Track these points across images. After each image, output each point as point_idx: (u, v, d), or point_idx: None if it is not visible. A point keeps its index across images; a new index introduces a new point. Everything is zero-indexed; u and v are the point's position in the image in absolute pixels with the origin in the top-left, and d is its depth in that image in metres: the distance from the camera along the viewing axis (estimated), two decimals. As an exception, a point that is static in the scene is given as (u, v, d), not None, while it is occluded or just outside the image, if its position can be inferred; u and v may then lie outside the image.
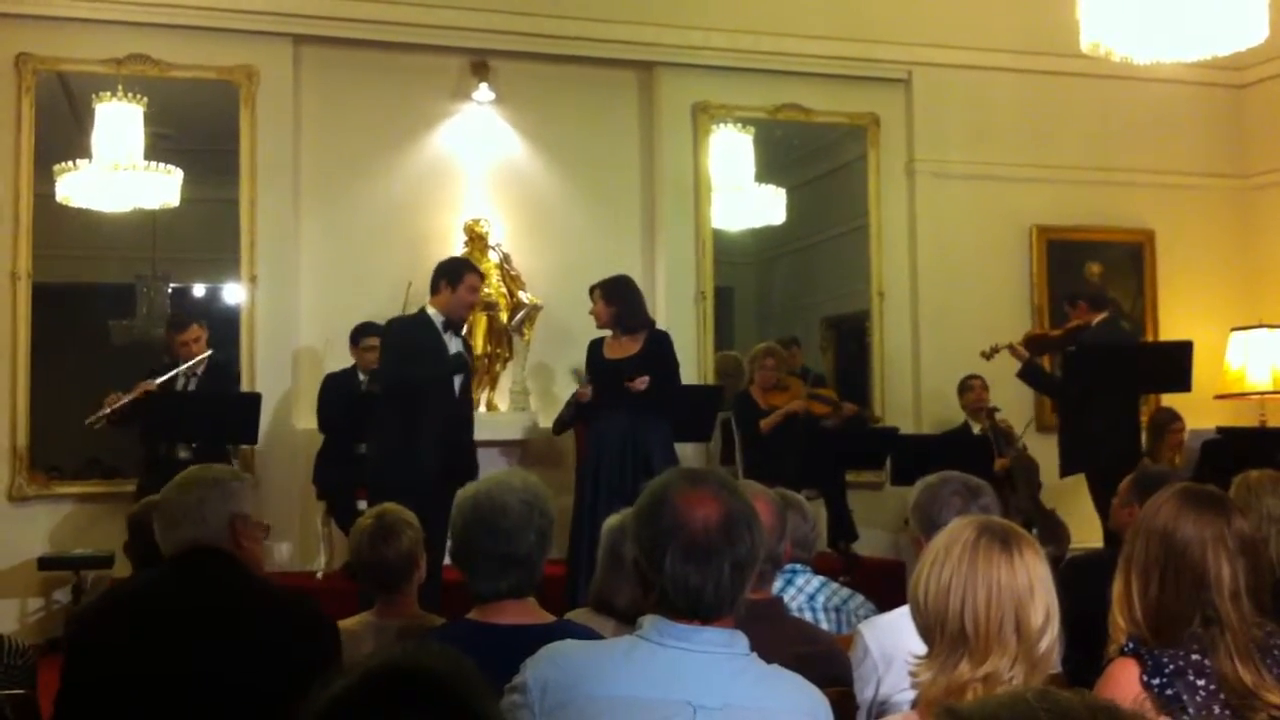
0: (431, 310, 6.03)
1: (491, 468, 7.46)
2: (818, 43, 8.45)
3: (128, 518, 3.80)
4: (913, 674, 2.10)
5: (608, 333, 6.43)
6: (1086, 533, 7.05)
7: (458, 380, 6.04)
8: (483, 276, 6.15)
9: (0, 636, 3.28)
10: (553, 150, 8.16)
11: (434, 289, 6.06)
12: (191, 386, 6.79)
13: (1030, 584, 2.05)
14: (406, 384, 5.87)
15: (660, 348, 6.44)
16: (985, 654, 2.01)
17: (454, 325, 6.06)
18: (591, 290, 6.47)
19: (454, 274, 6.04)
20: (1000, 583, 2.03)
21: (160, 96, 7.36)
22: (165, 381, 6.66)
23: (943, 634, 2.05)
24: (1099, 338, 7.37)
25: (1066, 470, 7.29)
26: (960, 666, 2.01)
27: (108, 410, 6.52)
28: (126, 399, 6.53)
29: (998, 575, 2.04)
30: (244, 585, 2.64)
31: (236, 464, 6.72)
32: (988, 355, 7.58)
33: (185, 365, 6.71)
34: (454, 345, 6.04)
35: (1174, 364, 6.88)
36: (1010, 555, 2.06)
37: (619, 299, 6.40)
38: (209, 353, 6.87)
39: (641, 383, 6.20)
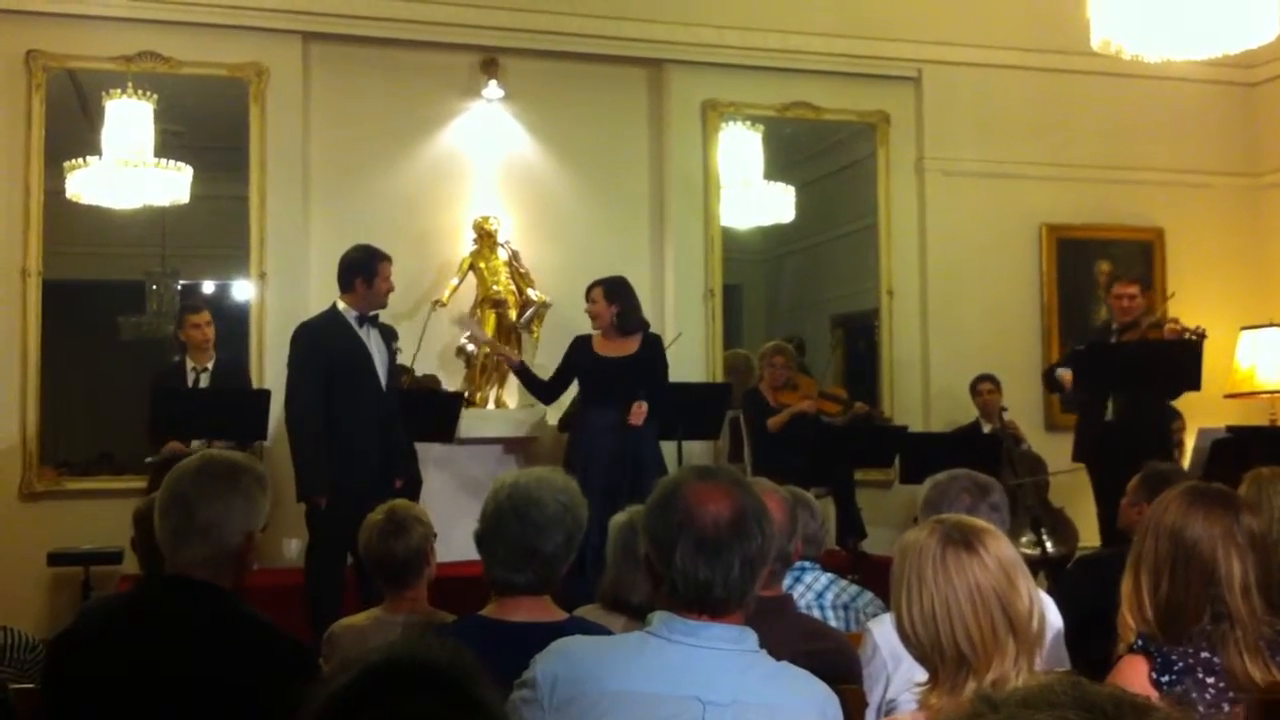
0: (342, 305, 5.72)
1: (500, 465, 7.54)
2: (827, 40, 8.43)
3: (133, 514, 3.76)
4: (919, 701, 2.09)
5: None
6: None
7: (383, 375, 5.75)
8: (390, 259, 5.80)
9: (11, 631, 3.29)
10: (562, 147, 8.15)
11: (347, 286, 5.71)
12: (203, 382, 6.81)
13: (1005, 572, 2.04)
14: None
15: (656, 351, 6.48)
16: (987, 665, 2.00)
17: (370, 318, 5.74)
18: (591, 288, 6.45)
19: (368, 268, 5.69)
20: (980, 586, 2.02)
21: (170, 93, 7.37)
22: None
23: (943, 660, 2.03)
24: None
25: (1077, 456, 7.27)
26: (967, 687, 2.00)
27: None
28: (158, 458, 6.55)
29: (975, 580, 2.03)
30: (224, 622, 2.41)
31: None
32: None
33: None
34: (373, 339, 5.75)
35: (1185, 363, 6.84)
36: (977, 553, 2.04)
37: (621, 298, 6.39)
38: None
39: (641, 415, 6.19)
